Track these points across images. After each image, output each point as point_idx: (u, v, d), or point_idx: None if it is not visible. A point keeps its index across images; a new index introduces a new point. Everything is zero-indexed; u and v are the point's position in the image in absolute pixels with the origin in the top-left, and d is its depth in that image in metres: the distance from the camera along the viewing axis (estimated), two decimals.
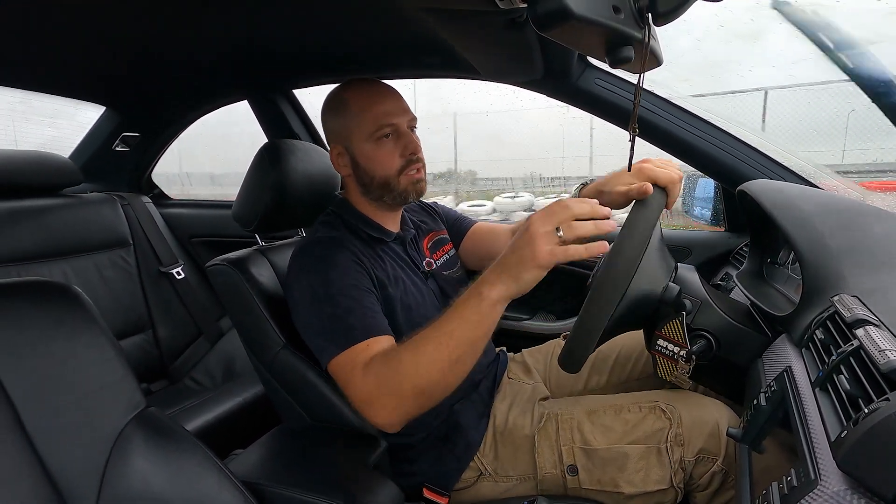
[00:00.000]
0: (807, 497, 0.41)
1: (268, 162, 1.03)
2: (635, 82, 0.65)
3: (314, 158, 1.11)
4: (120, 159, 1.83)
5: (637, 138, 0.70)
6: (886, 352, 0.43)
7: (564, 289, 1.53)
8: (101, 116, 1.73)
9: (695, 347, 0.82)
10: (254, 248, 1.11)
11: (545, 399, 1.02)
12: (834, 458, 0.42)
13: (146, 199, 1.83)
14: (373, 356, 0.77)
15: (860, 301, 0.58)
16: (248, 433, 1.02)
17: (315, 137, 1.71)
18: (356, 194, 0.99)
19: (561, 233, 0.65)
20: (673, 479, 0.83)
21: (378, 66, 1.28)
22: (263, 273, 1.04)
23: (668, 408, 0.86)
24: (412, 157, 0.94)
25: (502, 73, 1.20)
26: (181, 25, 0.95)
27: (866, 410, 0.40)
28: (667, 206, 0.81)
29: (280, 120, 1.62)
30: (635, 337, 1.08)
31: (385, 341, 0.80)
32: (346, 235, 0.93)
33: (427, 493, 0.90)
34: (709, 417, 0.84)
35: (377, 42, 1.11)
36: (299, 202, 1.08)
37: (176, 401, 1.45)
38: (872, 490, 0.37)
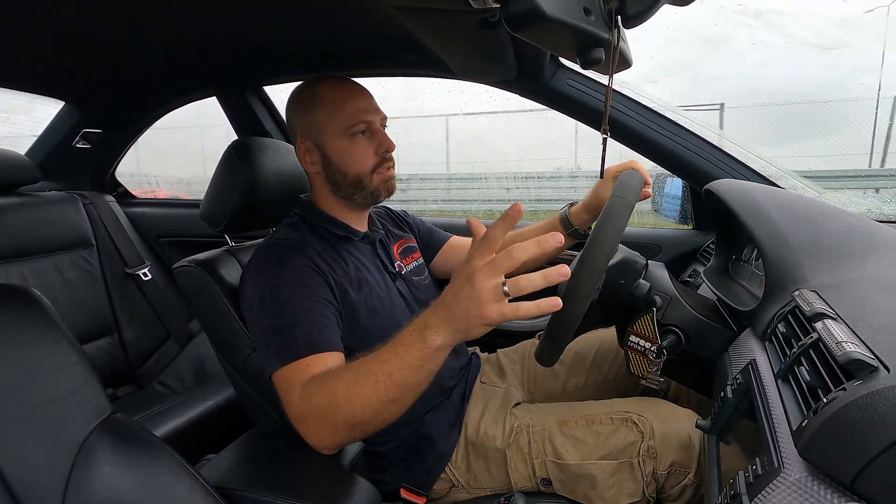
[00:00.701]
0: (770, 484, 0.42)
1: (237, 160, 1.01)
2: (606, 83, 0.66)
3: (286, 157, 1.10)
4: (81, 157, 1.75)
5: (610, 139, 0.71)
6: (843, 344, 0.45)
7: None
8: (59, 112, 1.65)
9: (665, 342, 0.84)
10: (223, 248, 1.09)
11: (517, 405, 1.00)
12: (795, 447, 0.44)
13: (110, 197, 1.77)
14: (312, 377, 0.73)
15: (819, 296, 0.60)
16: (220, 437, 0.99)
17: (287, 136, 1.68)
18: (323, 192, 0.97)
19: (507, 288, 0.57)
20: (645, 490, 0.83)
21: (352, 64, 1.27)
22: (233, 274, 1.01)
23: (640, 419, 0.86)
24: (386, 154, 0.93)
25: (476, 73, 1.21)
26: (144, 16, 0.91)
27: (825, 400, 0.42)
28: (645, 182, 0.88)
29: (250, 117, 1.59)
30: (611, 338, 1.10)
31: (331, 358, 0.77)
32: (307, 237, 0.91)
33: (404, 494, 0.90)
34: (681, 429, 0.84)
35: (351, 39, 1.09)
36: (270, 202, 1.06)
37: (144, 406, 1.40)
38: (831, 476, 0.39)
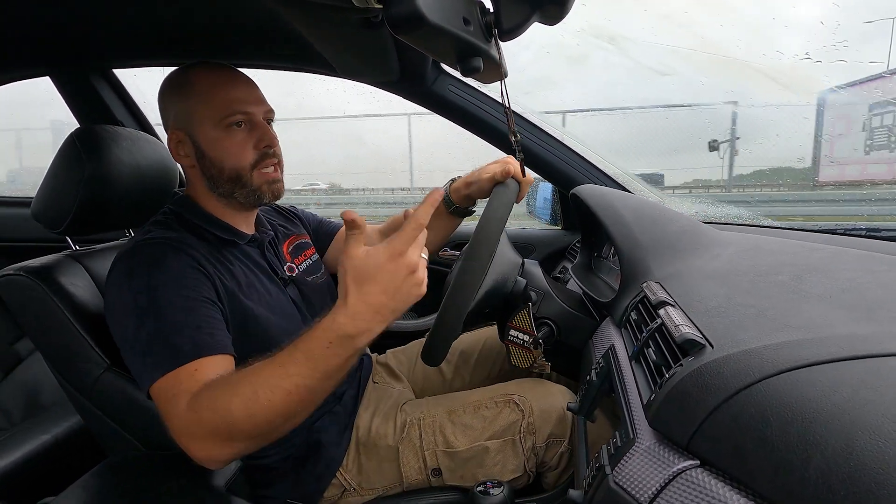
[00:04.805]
0: (627, 453, 0.48)
1: (81, 151, 0.87)
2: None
3: (145, 149, 0.97)
4: None
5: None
6: (680, 327, 0.53)
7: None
8: None
9: (540, 334, 0.91)
10: (64, 253, 0.93)
11: (408, 402, 1.01)
12: (646, 418, 0.50)
13: None
14: (203, 384, 0.66)
15: (662, 286, 0.70)
16: (63, 476, 0.85)
17: (144, 126, 1.49)
18: (201, 190, 0.88)
19: (424, 255, 0.64)
20: (526, 465, 0.89)
21: (219, 52, 1.16)
22: (78, 283, 0.88)
23: (520, 399, 0.92)
24: (267, 150, 0.86)
25: (359, 72, 1.19)
26: None
27: (667, 376, 0.49)
28: (518, 197, 0.88)
29: (96, 103, 1.38)
30: (493, 336, 1.16)
31: (221, 362, 0.70)
32: (185, 237, 0.82)
33: None
34: (556, 403, 0.91)
35: (219, 24, 1.01)
36: (126, 199, 0.93)
37: None
38: (673, 440, 0.45)
